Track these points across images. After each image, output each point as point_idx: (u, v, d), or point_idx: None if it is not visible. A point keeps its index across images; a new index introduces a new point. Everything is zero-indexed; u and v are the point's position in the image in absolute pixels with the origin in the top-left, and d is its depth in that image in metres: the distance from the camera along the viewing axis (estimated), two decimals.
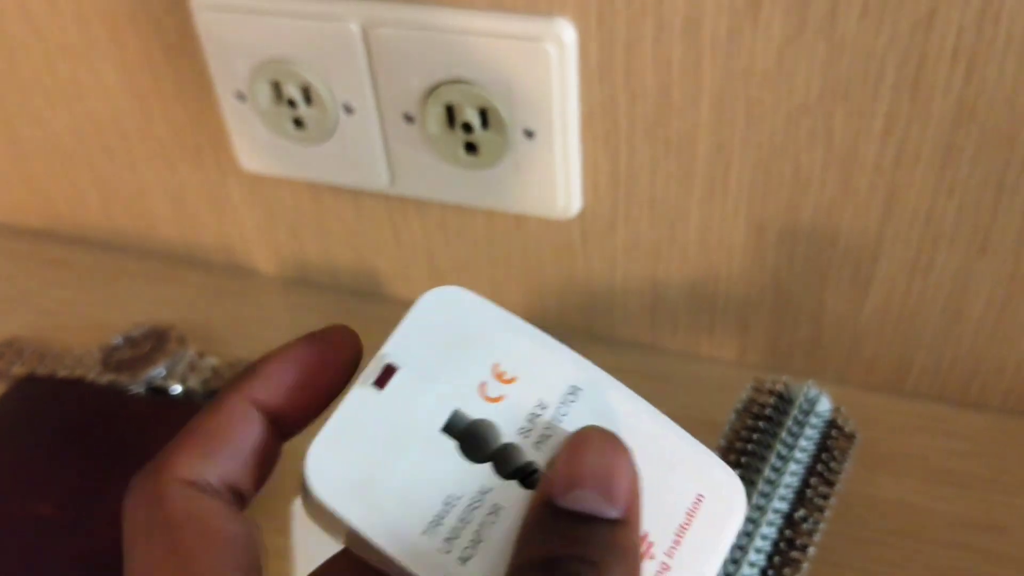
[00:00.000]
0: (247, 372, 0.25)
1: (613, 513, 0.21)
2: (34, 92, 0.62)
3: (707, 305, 0.54)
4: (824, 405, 0.45)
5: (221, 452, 0.24)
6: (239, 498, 0.24)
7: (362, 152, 0.53)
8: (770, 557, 0.41)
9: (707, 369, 0.55)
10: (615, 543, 0.21)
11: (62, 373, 0.57)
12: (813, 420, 0.45)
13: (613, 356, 0.57)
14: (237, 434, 0.24)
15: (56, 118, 0.63)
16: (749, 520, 0.41)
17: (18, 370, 0.58)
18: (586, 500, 0.21)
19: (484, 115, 0.48)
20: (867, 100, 0.43)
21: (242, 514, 0.23)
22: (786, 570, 0.41)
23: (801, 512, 0.42)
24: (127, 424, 0.51)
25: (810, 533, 0.42)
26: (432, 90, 0.48)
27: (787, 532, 0.42)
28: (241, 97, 0.53)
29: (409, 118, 0.50)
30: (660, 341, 0.56)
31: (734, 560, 0.41)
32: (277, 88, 0.52)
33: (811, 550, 0.42)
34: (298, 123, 0.53)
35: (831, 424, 0.45)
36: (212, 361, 0.57)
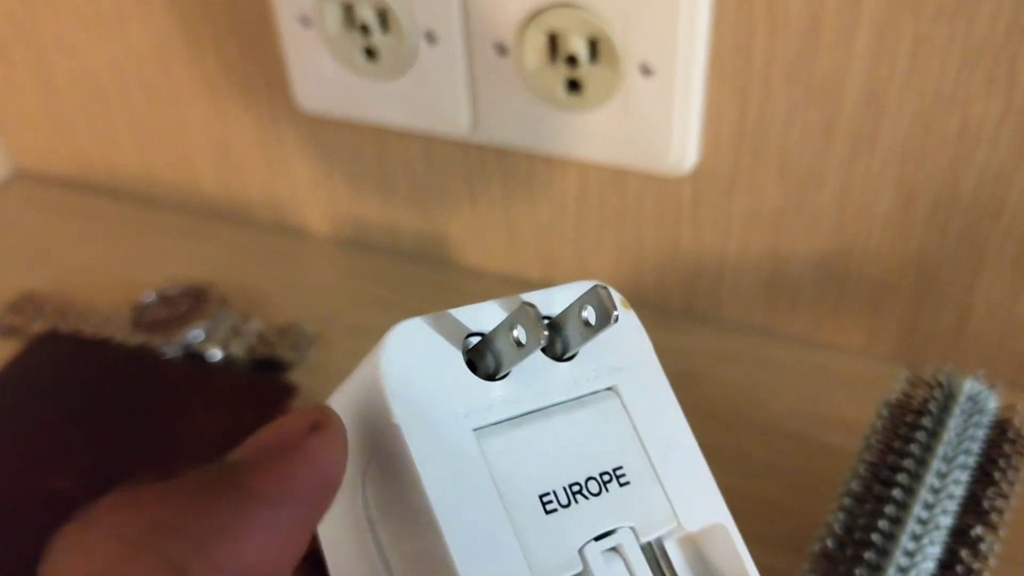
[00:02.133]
0: None
1: (235, 457, 0.20)
2: (71, 21, 0.55)
3: (835, 284, 0.46)
4: (992, 403, 0.38)
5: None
6: None
7: (443, 90, 0.46)
8: None
9: (829, 358, 0.48)
10: (223, 481, 0.19)
11: (87, 332, 0.50)
12: (981, 420, 0.37)
13: (719, 339, 0.49)
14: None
15: (93, 52, 0.56)
16: (912, 537, 0.34)
17: (38, 327, 0.51)
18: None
19: (593, 47, 0.41)
20: None
21: None
22: None
23: (978, 530, 0.34)
24: (158, 391, 0.45)
25: (984, 555, 0.34)
26: (533, 15, 0.41)
27: (960, 551, 0.34)
28: (306, 21, 0.46)
29: (502, 49, 0.43)
30: (775, 324, 0.49)
31: None
32: (349, 11, 0.45)
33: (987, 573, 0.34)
34: (370, 53, 0.46)
35: (1000, 425, 0.38)
36: (258, 326, 0.50)
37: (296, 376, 0.48)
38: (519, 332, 0.21)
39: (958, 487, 0.35)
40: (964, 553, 0.33)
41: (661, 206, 0.47)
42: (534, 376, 0.22)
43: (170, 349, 0.49)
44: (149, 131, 0.59)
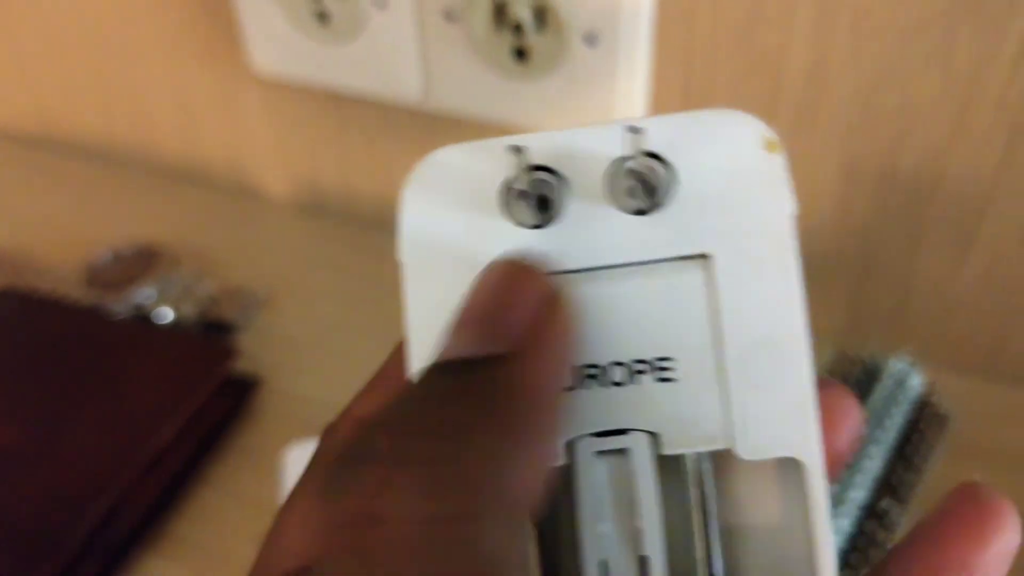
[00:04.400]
0: None
1: (498, 349, 0.16)
2: None
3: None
4: (915, 381, 0.38)
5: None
6: None
7: (393, 55, 0.46)
8: (846, 552, 0.34)
9: None
10: (497, 381, 0.16)
11: (43, 288, 0.50)
12: (901, 398, 0.38)
13: None
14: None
15: (53, 6, 0.56)
16: None
17: None
18: (460, 344, 0.17)
19: (539, 15, 0.41)
20: (1001, 17, 0.36)
21: None
22: (863, 568, 0.34)
23: (885, 502, 0.35)
24: (105, 350, 0.45)
25: (892, 527, 0.35)
26: None
27: (867, 524, 0.35)
28: None
29: (451, 16, 0.43)
30: None
31: None
32: None
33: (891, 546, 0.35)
34: (322, 18, 0.46)
35: (921, 403, 0.38)
36: (209, 287, 0.51)
37: (243, 338, 0.48)
38: (517, 182, 0.18)
39: (872, 463, 0.36)
40: (868, 525, 0.34)
41: None
42: (592, 227, 0.18)
43: (122, 308, 0.49)
44: (111, 90, 0.59)
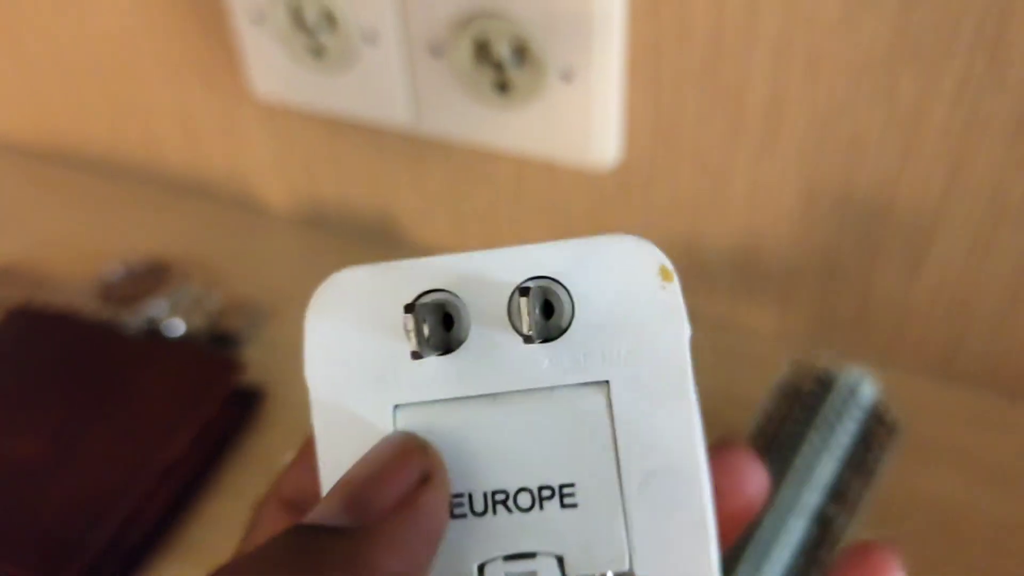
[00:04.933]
0: None
1: (356, 522, 0.17)
2: (42, 2, 0.58)
3: (748, 271, 0.50)
4: (867, 392, 0.42)
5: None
6: None
7: (385, 86, 0.49)
8: (797, 555, 0.38)
9: (744, 342, 0.51)
10: (340, 555, 0.17)
11: (59, 302, 0.54)
12: (854, 408, 0.41)
13: None
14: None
15: (65, 31, 0.59)
16: (775, 514, 0.38)
17: (12, 298, 0.55)
18: (321, 511, 0.18)
19: (518, 52, 0.44)
20: (939, 59, 0.39)
21: None
22: (812, 569, 0.38)
23: (831, 508, 0.38)
24: (118, 364, 0.48)
25: (840, 531, 0.39)
26: (463, 23, 0.44)
27: (814, 529, 0.38)
28: (258, 19, 0.49)
29: (436, 52, 0.46)
30: (694, 307, 0.52)
31: (759, 556, 0.37)
32: (298, 12, 0.48)
33: (840, 548, 0.38)
34: (317, 52, 0.49)
35: (873, 412, 0.42)
36: (218, 299, 0.54)
37: (249, 350, 0.52)
38: (409, 319, 0.18)
39: (824, 470, 0.39)
40: (814, 530, 0.37)
41: (590, 197, 0.50)
42: (495, 353, 0.19)
43: (134, 321, 0.52)
44: (118, 108, 0.62)
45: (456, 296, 0.19)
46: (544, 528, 0.18)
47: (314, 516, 0.18)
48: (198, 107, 0.59)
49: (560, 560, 0.18)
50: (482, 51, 0.45)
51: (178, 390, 0.46)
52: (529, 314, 0.18)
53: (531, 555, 0.18)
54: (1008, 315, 0.46)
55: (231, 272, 0.57)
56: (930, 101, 0.40)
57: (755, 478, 0.21)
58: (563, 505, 0.18)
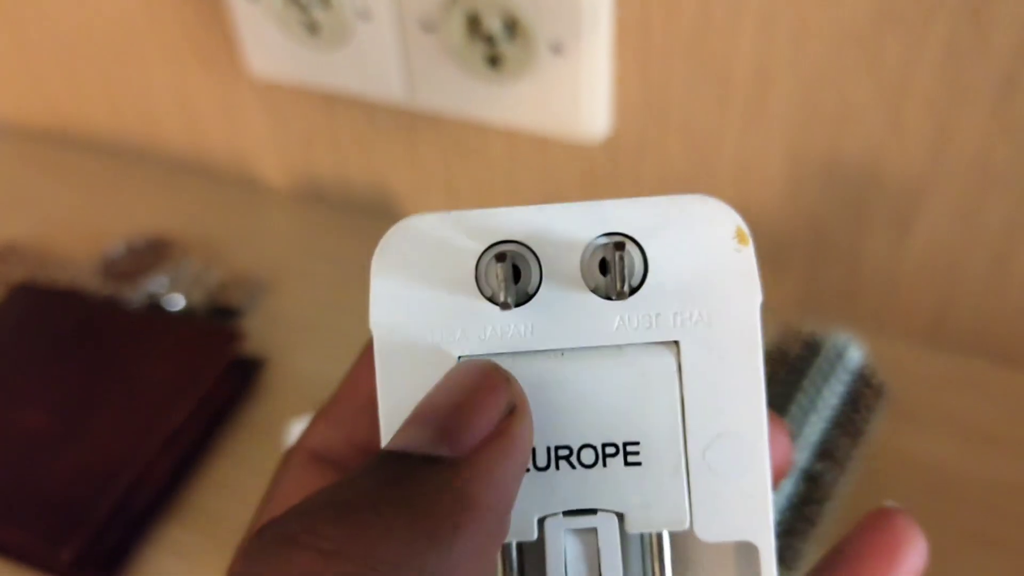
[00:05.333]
0: None
1: (448, 452, 0.17)
2: None
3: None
4: (854, 355, 0.43)
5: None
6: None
7: (378, 61, 0.50)
8: (786, 511, 0.39)
9: None
10: (439, 487, 0.16)
11: (62, 280, 0.55)
12: (841, 371, 0.42)
13: None
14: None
15: (65, 15, 0.60)
16: None
17: (18, 275, 0.56)
18: (411, 438, 0.17)
19: (509, 26, 0.45)
20: (922, 26, 0.40)
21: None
22: (800, 524, 0.39)
23: (820, 465, 0.39)
24: (121, 338, 0.49)
25: (828, 487, 0.40)
26: None
27: (803, 486, 0.39)
28: None
29: (428, 27, 0.47)
30: None
31: None
32: None
33: (828, 505, 0.39)
34: (312, 28, 0.50)
35: (860, 374, 0.43)
36: (217, 274, 0.55)
37: (249, 322, 0.53)
38: (489, 268, 0.18)
39: (812, 430, 0.40)
40: (804, 487, 0.38)
41: (581, 169, 0.51)
42: (566, 309, 0.19)
43: (136, 297, 0.53)
44: (119, 89, 0.63)
45: (528, 248, 0.19)
46: (606, 485, 0.18)
47: (402, 443, 0.17)
48: (196, 87, 0.59)
49: (620, 517, 0.18)
50: (474, 25, 0.46)
51: (179, 361, 0.47)
52: (602, 273, 0.18)
53: (592, 511, 0.18)
54: (994, 280, 0.47)
55: (230, 247, 0.58)
56: (914, 68, 0.41)
57: (782, 444, 0.21)
58: (627, 463, 0.18)
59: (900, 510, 0.21)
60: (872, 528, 0.21)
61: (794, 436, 0.40)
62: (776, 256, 0.50)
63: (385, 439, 0.19)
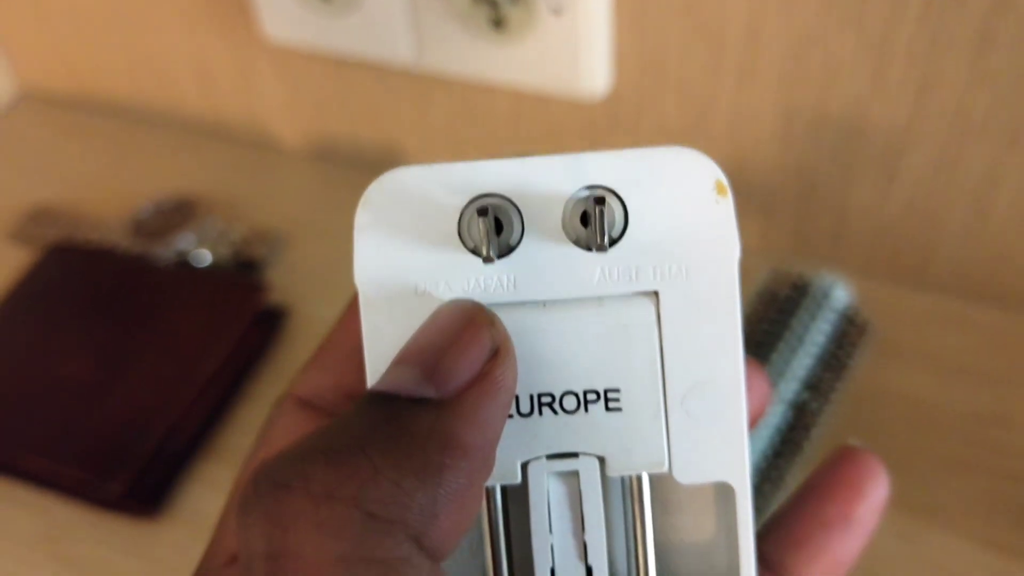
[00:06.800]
0: None
1: (435, 393, 0.17)
2: None
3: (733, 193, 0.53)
4: (839, 295, 0.45)
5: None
6: None
7: (388, 25, 0.52)
8: (774, 436, 0.42)
9: None
10: (426, 427, 0.17)
11: (95, 240, 0.58)
12: (827, 310, 0.45)
13: None
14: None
15: None
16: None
17: (53, 236, 0.59)
18: (397, 379, 0.18)
19: None
20: None
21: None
22: (787, 447, 0.42)
23: (805, 395, 0.43)
24: (152, 292, 0.53)
25: (813, 416, 0.43)
26: None
27: (791, 415, 0.42)
28: None
29: None
30: None
31: None
32: None
33: (814, 431, 0.42)
34: None
35: (846, 315, 0.45)
36: (240, 230, 0.58)
37: (271, 274, 0.56)
38: (471, 221, 0.18)
39: (799, 364, 0.43)
40: (791, 415, 0.42)
41: (582, 126, 0.54)
42: (547, 260, 0.19)
43: (165, 253, 0.56)
44: (137, 55, 0.65)
45: (510, 202, 0.19)
46: (587, 429, 0.19)
47: (388, 384, 0.18)
48: (213, 52, 0.62)
49: (601, 460, 0.19)
50: None
51: (210, 312, 0.50)
52: (582, 224, 0.18)
53: (573, 455, 0.19)
54: (975, 224, 0.50)
55: (251, 205, 0.61)
56: (896, 24, 0.44)
57: (760, 388, 0.22)
58: (607, 409, 0.19)
59: (864, 448, 0.23)
60: (838, 463, 0.22)
61: (782, 371, 0.43)
62: (768, 204, 0.53)
63: (371, 382, 0.19)
